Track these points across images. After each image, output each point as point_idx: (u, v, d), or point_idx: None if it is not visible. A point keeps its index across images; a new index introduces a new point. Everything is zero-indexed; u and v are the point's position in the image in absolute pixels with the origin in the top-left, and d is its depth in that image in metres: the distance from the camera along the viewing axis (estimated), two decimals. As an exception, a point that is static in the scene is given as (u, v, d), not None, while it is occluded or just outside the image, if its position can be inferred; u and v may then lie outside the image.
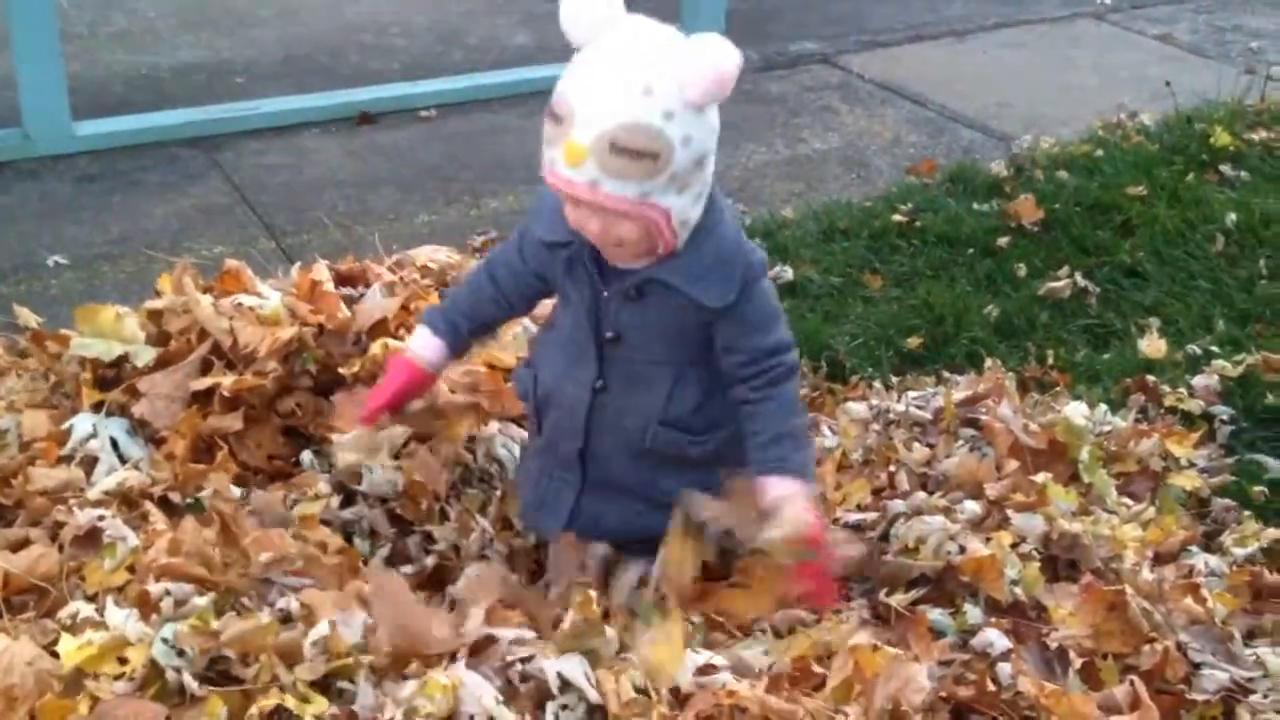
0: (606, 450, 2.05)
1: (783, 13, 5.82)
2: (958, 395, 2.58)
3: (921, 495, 2.27)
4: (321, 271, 2.56)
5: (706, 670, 1.72)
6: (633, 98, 1.73)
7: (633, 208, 1.79)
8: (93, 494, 2.17)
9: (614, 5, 1.80)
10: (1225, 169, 4.19)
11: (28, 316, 3.11)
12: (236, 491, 2.22)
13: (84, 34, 5.24)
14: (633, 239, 1.85)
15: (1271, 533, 2.42)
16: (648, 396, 2.00)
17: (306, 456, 2.38)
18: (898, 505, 2.22)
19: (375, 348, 2.41)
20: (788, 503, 1.88)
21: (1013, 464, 2.31)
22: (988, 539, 2.10)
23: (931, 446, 2.46)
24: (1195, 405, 2.92)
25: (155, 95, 4.75)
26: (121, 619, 1.69)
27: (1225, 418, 2.90)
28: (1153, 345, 3.21)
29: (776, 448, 1.94)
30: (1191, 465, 2.66)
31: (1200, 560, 2.31)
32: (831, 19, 5.78)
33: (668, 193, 1.80)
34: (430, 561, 2.20)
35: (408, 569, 2.16)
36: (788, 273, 3.55)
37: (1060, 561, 2.14)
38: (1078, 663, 1.89)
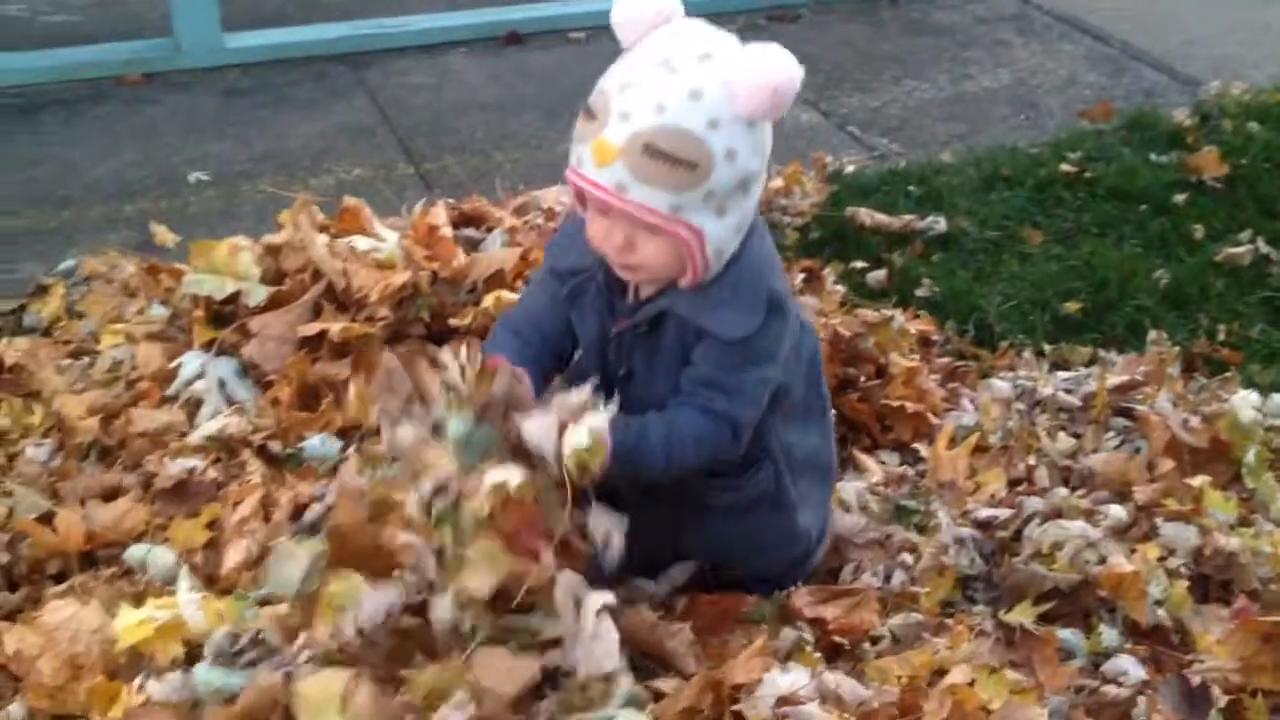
0: (629, 491, 1.76)
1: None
2: (1113, 380, 2.37)
3: (1062, 492, 2.09)
4: (440, 215, 2.46)
5: (790, 700, 1.56)
6: (676, 99, 1.55)
7: (663, 222, 1.60)
8: (193, 440, 2.13)
9: (671, 5, 1.65)
10: None
11: (165, 235, 3.11)
12: (337, 444, 2.15)
13: (243, -56, 5.21)
14: (658, 262, 1.65)
15: None
16: None
17: (414, 408, 2.30)
18: (1034, 503, 2.04)
19: (488, 300, 2.31)
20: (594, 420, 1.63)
21: (1168, 463, 2.11)
22: (1132, 550, 1.92)
23: (1078, 436, 2.26)
24: (1383, 394, 2.66)
25: (309, 8, 4.70)
26: (188, 599, 1.62)
27: None
28: (1339, 323, 2.94)
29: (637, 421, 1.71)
30: (1376, 465, 2.41)
31: (1377, 581, 2.09)
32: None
33: (704, 212, 1.61)
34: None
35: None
36: (940, 224, 3.34)
37: (1212, 581, 1.94)
38: (1222, 700, 1.70)
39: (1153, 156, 3.72)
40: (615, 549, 1.59)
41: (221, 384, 2.29)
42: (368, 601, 1.57)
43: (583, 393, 1.63)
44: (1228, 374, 2.66)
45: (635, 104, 1.56)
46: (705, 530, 1.85)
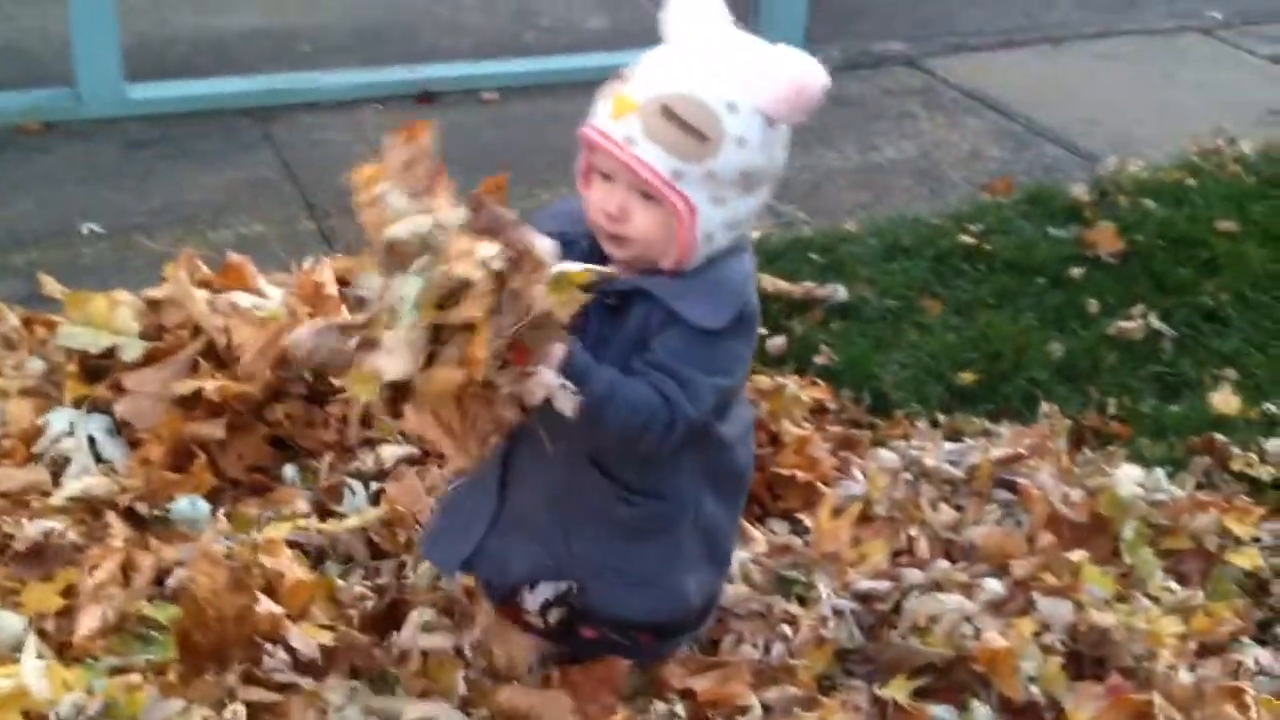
0: (529, 483, 1.80)
1: (869, 11, 5.57)
2: (997, 452, 2.37)
3: (943, 565, 2.08)
4: (325, 272, 2.42)
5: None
6: (702, 75, 1.63)
7: (661, 184, 1.62)
8: (55, 500, 2.06)
9: (716, 9, 1.70)
10: (1327, 207, 3.90)
11: (53, 286, 3.03)
12: (205, 507, 2.10)
13: (155, -10, 5.16)
14: (649, 234, 1.66)
15: (1343, 625, 2.20)
16: None
17: (289, 471, 2.25)
18: (914, 575, 2.04)
19: (371, 361, 2.26)
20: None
21: (1048, 538, 2.11)
22: (1008, 625, 1.91)
23: (960, 509, 2.26)
24: (1266, 472, 2.69)
25: (218, 60, 4.64)
26: (31, 667, 1.55)
27: (1298, 487, 2.66)
28: (1226, 400, 2.98)
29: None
30: (1255, 541, 2.43)
31: (1251, 655, 2.10)
32: (921, 19, 5.52)
33: (701, 191, 1.64)
34: (395, 595, 2.04)
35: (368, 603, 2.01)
36: (841, 292, 3.35)
37: (1087, 657, 1.93)
38: (1092, 780, 1.69)
39: (1051, 230, 3.77)
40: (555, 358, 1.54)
41: (92, 442, 2.22)
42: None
43: None
44: (1112, 448, 2.68)
45: (662, 71, 1.64)
46: (592, 541, 1.79)
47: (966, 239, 3.67)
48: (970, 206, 3.96)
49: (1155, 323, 3.28)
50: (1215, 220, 3.76)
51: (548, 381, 1.51)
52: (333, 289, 2.40)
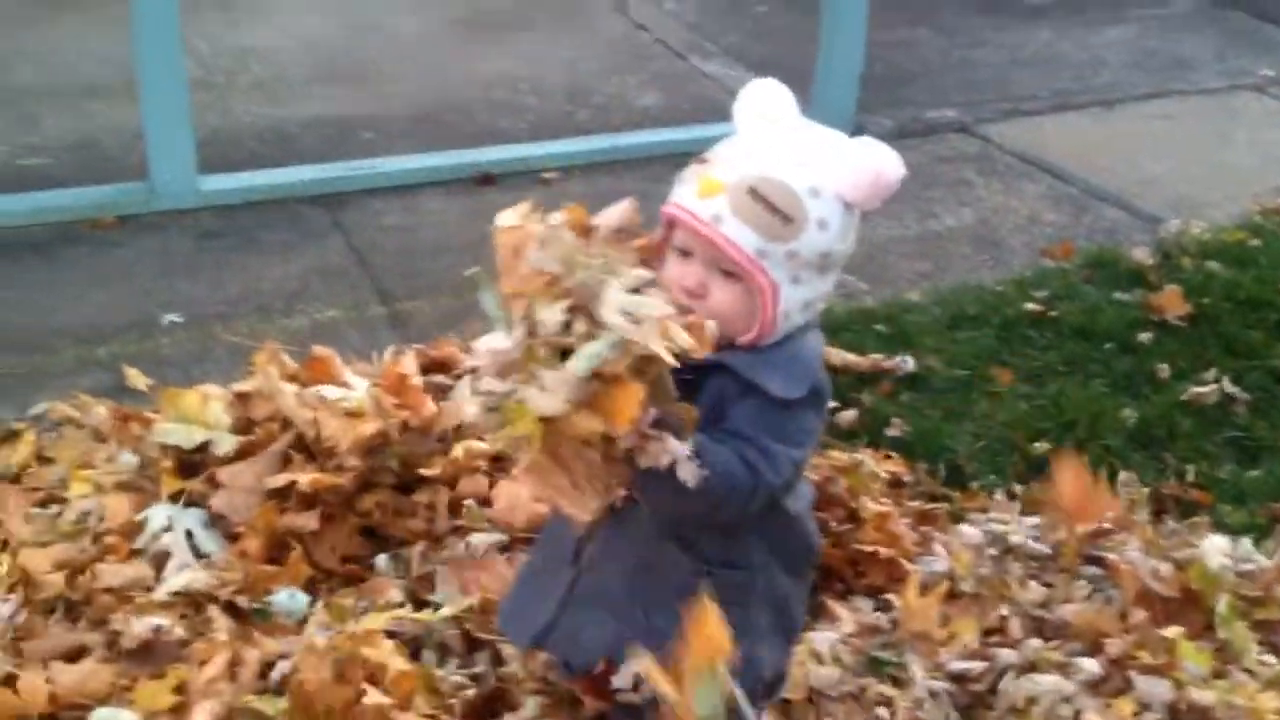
0: (606, 558, 1.82)
1: (920, 77, 5.62)
2: (1081, 527, 2.37)
3: (1035, 644, 2.08)
4: (410, 363, 2.47)
5: None
6: (787, 160, 1.67)
7: (746, 262, 1.66)
8: (158, 595, 2.10)
9: (787, 99, 1.76)
10: (1394, 265, 3.88)
11: (137, 378, 3.11)
12: (304, 598, 2.13)
13: (221, 83, 5.29)
14: (727, 311, 1.69)
15: None
16: None
17: (382, 560, 2.29)
18: (1008, 655, 2.04)
19: (458, 450, 2.31)
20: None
21: (1140, 614, 2.10)
22: (1107, 705, 1.90)
23: (1049, 585, 2.26)
24: (1353, 539, 2.67)
25: (283, 150, 4.75)
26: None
27: (1387, 556, 2.63)
28: (1306, 464, 2.96)
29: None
30: (1347, 610, 2.41)
31: (1350, 729, 2.07)
32: (972, 85, 5.56)
33: (783, 271, 1.68)
34: (493, 684, 2.06)
35: (471, 692, 2.03)
36: (909, 363, 3.37)
37: (1188, 736, 1.92)
38: None
39: (1116, 295, 3.77)
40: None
41: (189, 536, 2.26)
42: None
43: None
44: (1197, 518, 2.67)
45: (747, 156, 1.68)
46: (671, 614, 1.71)
47: (1031, 306, 3.68)
48: (1032, 272, 3.97)
49: (1228, 386, 3.27)
50: (1282, 281, 3.75)
51: (673, 448, 1.54)
52: (417, 380, 2.45)
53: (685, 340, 1.49)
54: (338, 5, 6.34)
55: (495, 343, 1.53)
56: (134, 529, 2.28)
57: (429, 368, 2.53)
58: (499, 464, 2.38)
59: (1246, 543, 2.49)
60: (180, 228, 4.17)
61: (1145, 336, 3.53)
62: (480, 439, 2.35)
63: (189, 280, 3.87)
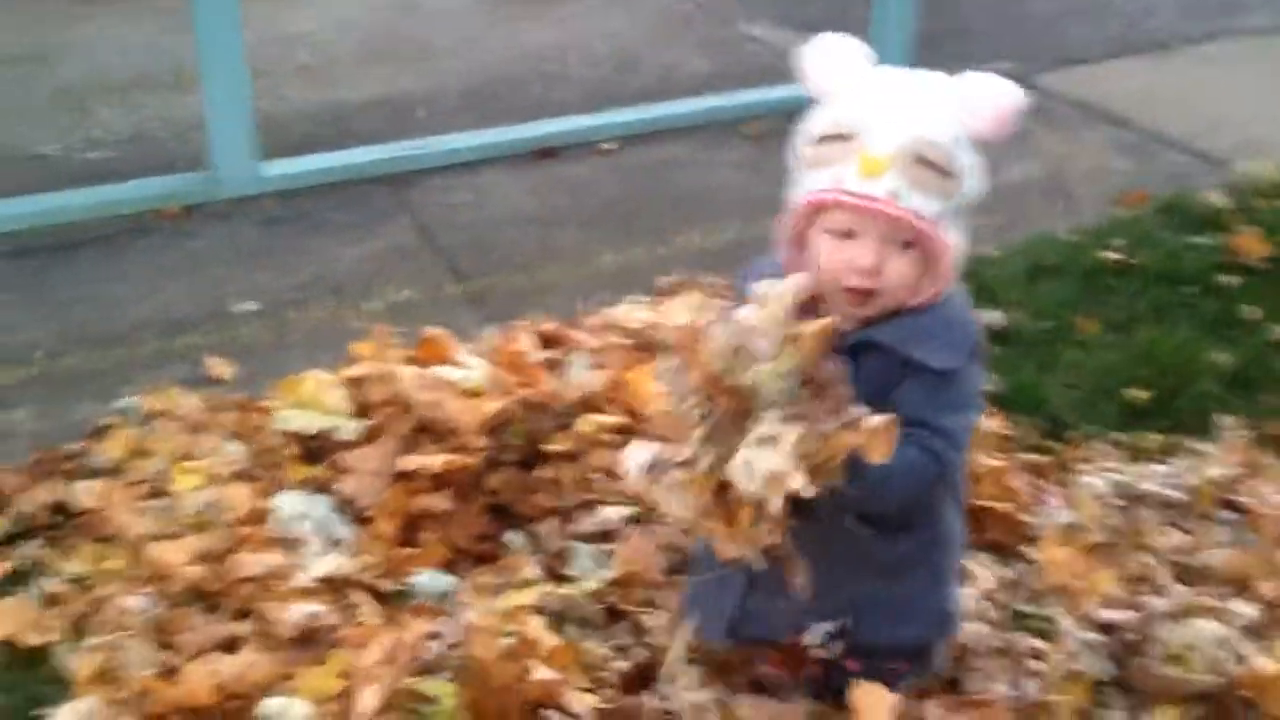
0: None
1: (973, 32, 5.58)
2: (1213, 472, 2.36)
3: (1183, 590, 2.07)
4: (525, 340, 2.46)
5: None
6: (932, 117, 1.66)
7: (931, 229, 1.65)
8: (303, 582, 2.10)
9: (863, 50, 1.74)
10: None
11: (220, 368, 3.11)
12: (448, 579, 2.14)
13: (270, 70, 5.27)
14: (901, 282, 1.68)
15: None
16: None
17: (514, 538, 2.29)
18: (1159, 603, 2.03)
19: (584, 425, 2.30)
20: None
21: (1284, 555, 2.10)
22: (1268, 649, 1.90)
23: (1188, 532, 2.25)
24: None
25: (340, 131, 4.74)
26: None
27: None
28: None
29: None
30: None
31: None
32: (1025, 36, 5.53)
33: (954, 224, 1.69)
34: (642, 655, 2.06)
35: (621, 664, 2.03)
36: (998, 317, 3.35)
37: (1354, 676, 1.92)
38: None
39: (1193, 239, 3.75)
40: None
41: (320, 522, 2.27)
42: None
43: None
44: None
45: (896, 120, 1.64)
46: (862, 583, 1.82)
47: (1110, 254, 3.66)
48: (1106, 221, 3.95)
49: (1320, 326, 3.25)
50: (1362, 217, 3.72)
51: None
52: (534, 356, 2.44)
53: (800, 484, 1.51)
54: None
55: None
56: (259, 517, 2.29)
57: (543, 343, 2.53)
58: (626, 436, 2.38)
59: (1373, 479, 2.48)
60: (245, 215, 4.17)
61: (1228, 280, 3.51)
62: (606, 413, 2.34)
63: (259, 267, 3.87)
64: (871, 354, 1.72)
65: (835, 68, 1.72)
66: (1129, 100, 4.86)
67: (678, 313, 1.59)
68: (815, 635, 1.86)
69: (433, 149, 4.46)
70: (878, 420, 1.54)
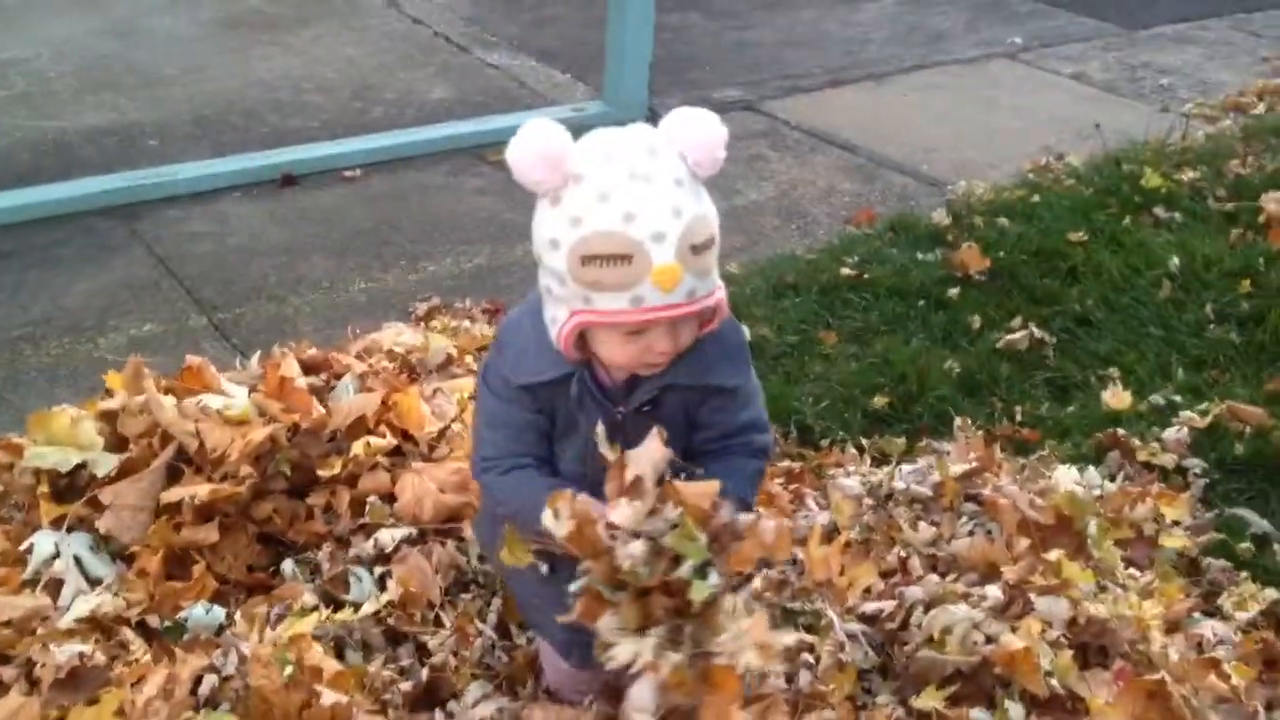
0: None
1: (701, 60, 5.78)
2: (955, 469, 2.52)
3: (935, 579, 2.21)
4: (291, 366, 2.42)
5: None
6: (680, 192, 1.64)
7: (714, 299, 1.70)
8: (64, 623, 2.02)
9: (564, 135, 1.67)
10: (1159, 211, 4.21)
11: (-50, 409, 2.93)
12: (220, 611, 2.08)
13: (-20, 98, 5.02)
14: (688, 341, 1.73)
15: (1270, 594, 2.40)
16: None
17: (288, 566, 2.25)
18: (915, 592, 2.15)
19: (357, 448, 2.29)
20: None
21: (1023, 542, 2.25)
22: (1014, 627, 2.04)
23: (935, 525, 2.40)
24: (1168, 459, 2.91)
25: (65, 162, 4.55)
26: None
27: (1198, 470, 2.89)
28: (1116, 397, 3.19)
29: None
30: (1176, 524, 2.63)
31: (1208, 629, 2.28)
32: (750, 64, 5.76)
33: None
34: (424, 675, 2.07)
35: (405, 686, 2.03)
36: (744, 333, 3.47)
37: (1089, 647, 2.08)
38: (1126, 759, 1.83)
39: (919, 255, 3.98)
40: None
41: (78, 561, 2.18)
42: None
43: None
44: (1043, 451, 2.86)
45: (663, 220, 1.60)
46: None
47: (846, 271, 3.86)
48: (840, 240, 4.16)
49: (1036, 331, 3.50)
50: (1065, 232, 4.03)
51: None
52: (300, 382, 2.41)
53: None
54: (84, 8, 6.08)
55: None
56: (15, 559, 2.18)
57: (306, 369, 2.49)
58: (399, 458, 2.37)
59: (1092, 471, 2.69)
60: (-33, 250, 3.96)
61: (954, 292, 3.75)
62: (377, 435, 2.33)
63: (-12, 304, 3.68)
64: (667, 394, 1.80)
65: (550, 159, 1.65)
66: (853, 126, 5.13)
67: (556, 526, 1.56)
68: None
69: (168, 178, 4.33)
70: (769, 526, 1.60)
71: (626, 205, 1.61)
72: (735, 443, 1.85)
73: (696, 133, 1.69)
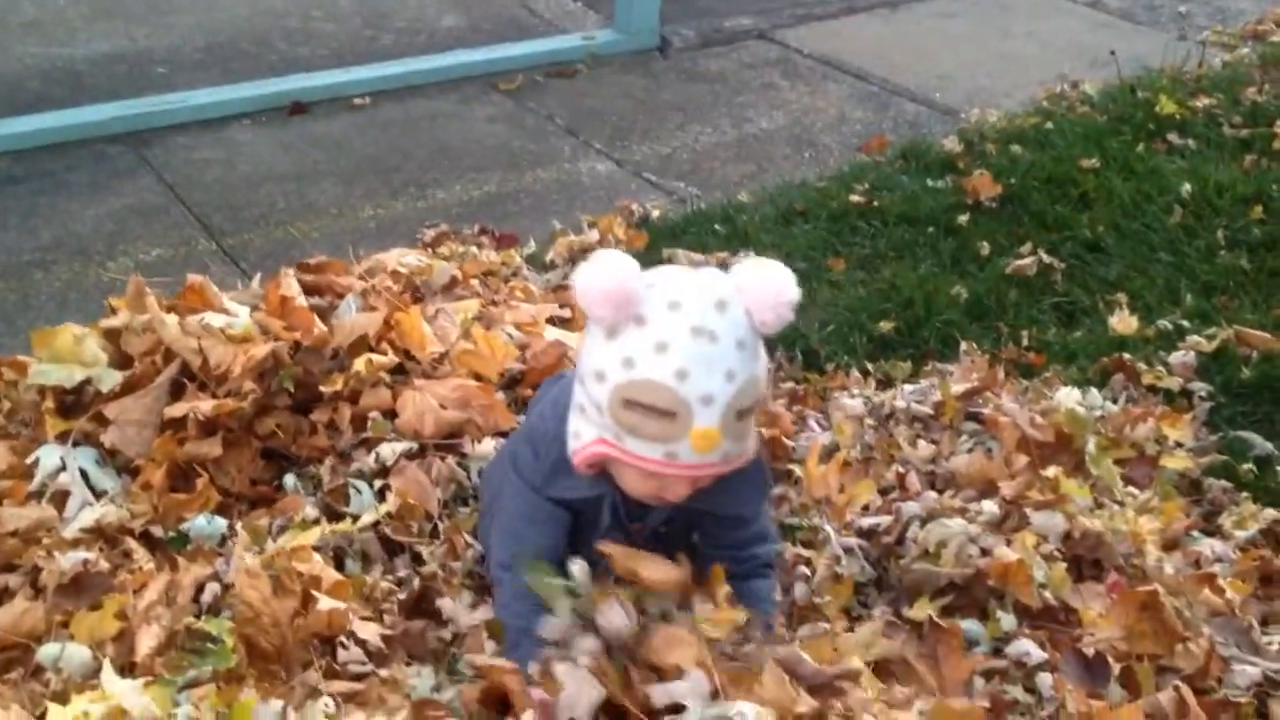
0: None
1: (716, -13, 5.74)
2: (956, 388, 2.52)
3: (932, 495, 2.22)
4: (292, 285, 2.43)
5: None
6: (739, 355, 1.60)
7: (746, 460, 1.73)
8: (69, 533, 2.04)
9: (635, 274, 1.62)
10: (1173, 138, 4.18)
11: (-38, 332, 2.95)
12: (222, 522, 2.11)
13: (-9, 25, 5.01)
14: (709, 484, 1.73)
15: (1270, 513, 2.41)
16: None
17: (290, 480, 2.27)
18: (911, 507, 2.16)
19: (359, 365, 2.30)
20: None
21: (1022, 459, 2.26)
22: (1008, 541, 2.05)
23: (935, 443, 2.41)
24: (1174, 383, 2.91)
25: (75, 89, 4.55)
26: (124, 688, 1.56)
27: (1204, 394, 2.88)
28: (1123, 322, 3.19)
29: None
30: (1179, 445, 2.64)
31: (1206, 546, 2.29)
32: (764, -8, 5.71)
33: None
34: (417, 585, 2.08)
35: (402, 595, 2.06)
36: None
37: (1085, 560, 2.09)
38: (1116, 668, 1.85)
39: (930, 182, 3.97)
40: None
41: (83, 474, 2.20)
42: None
43: None
44: (1047, 374, 2.86)
45: (709, 385, 1.57)
46: None
47: (855, 198, 3.84)
48: (850, 167, 4.14)
49: (1045, 257, 3.49)
50: (1078, 159, 4.00)
51: None
52: (301, 300, 2.42)
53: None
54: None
55: None
56: (23, 472, 2.20)
57: (309, 290, 2.50)
58: (401, 376, 2.38)
59: (1094, 392, 2.69)
60: (-22, 176, 3.97)
61: (964, 218, 3.73)
62: (379, 352, 2.34)
63: (-1, 229, 3.70)
64: (683, 513, 1.83)
65: (617, 300, 1.60)
66: (866, 54, 5.09)
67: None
68: None
69: (177, 105, 4.33)
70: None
71: (682, 362, 1.58)
72: (743, 555, 1.89)
73: (769, 292, 1.63)
